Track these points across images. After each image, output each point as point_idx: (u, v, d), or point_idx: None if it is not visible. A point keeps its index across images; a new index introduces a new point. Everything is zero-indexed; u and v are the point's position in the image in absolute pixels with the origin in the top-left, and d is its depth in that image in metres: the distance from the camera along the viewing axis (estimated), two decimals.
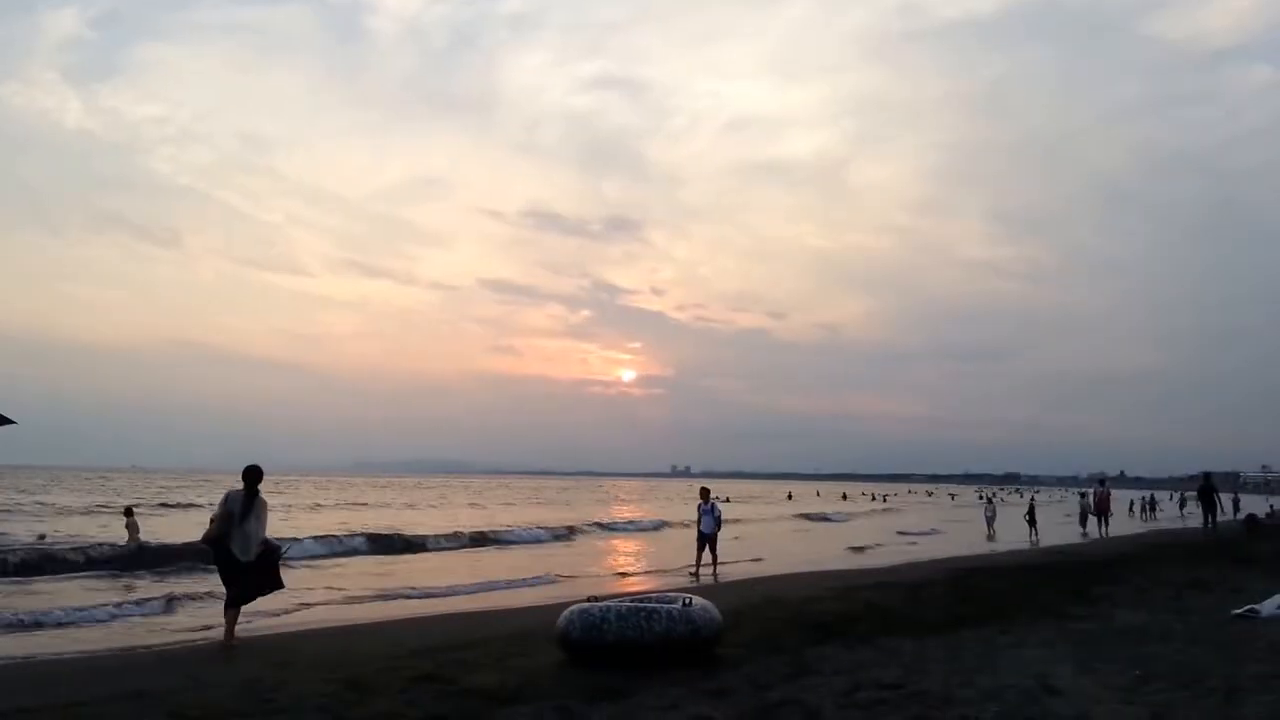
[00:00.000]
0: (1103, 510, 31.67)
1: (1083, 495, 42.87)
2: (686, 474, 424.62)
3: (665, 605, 7.43)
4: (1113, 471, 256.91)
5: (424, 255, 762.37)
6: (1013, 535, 30.50)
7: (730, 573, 17.94)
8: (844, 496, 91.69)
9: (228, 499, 9.69)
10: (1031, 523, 30.31)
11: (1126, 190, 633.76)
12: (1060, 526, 32.18)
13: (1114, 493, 34.82)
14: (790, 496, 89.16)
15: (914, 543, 29.96)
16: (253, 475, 9.83)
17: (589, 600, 7.73)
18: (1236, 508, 44.71)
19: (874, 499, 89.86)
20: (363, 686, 6.56)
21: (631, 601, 7.74)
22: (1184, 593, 11.84)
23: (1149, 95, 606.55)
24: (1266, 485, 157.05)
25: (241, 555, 9.54)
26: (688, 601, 7.55)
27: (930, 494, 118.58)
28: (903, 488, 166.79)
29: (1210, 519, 28.83)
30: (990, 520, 33.94)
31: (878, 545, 27.70)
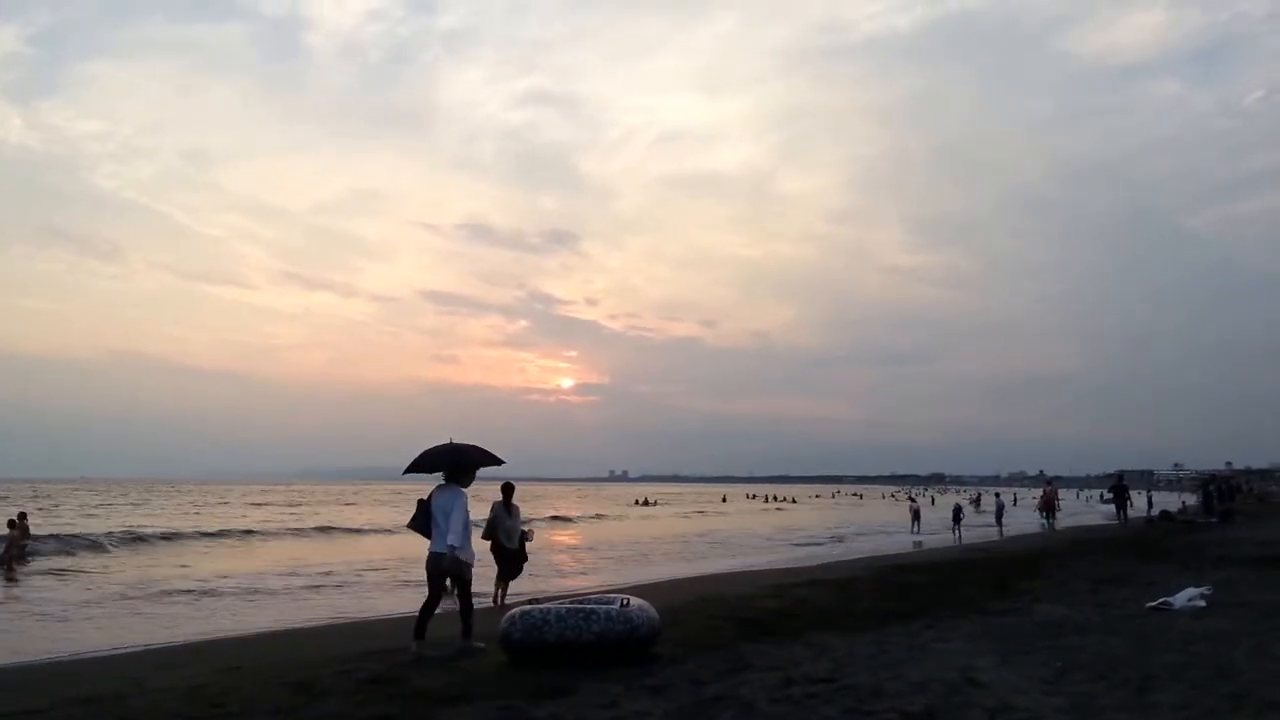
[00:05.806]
0: (1048, 506, 33.36)
1: (997, 495, 44.75)
2: (624, 478, 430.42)
3: (604, 606, 7.56)
4: (1032, 471, 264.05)
5: (365, 267, 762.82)
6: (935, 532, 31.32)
7: (670, 573, 18.07)
8: (748, 496, 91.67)
9: (495, 505, 12.92)
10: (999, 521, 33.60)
11: (1042, 198, 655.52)
12: (1014, 524, 34.16)
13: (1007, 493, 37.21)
14: (725, 499, 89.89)
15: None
16: (508, 488, 13.01)
17: (530, 603, 7.81)
18: (1150, 504, 46.59)
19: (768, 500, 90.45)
20: (314, 689, 6.54)
21: (571, 603, 7.87)
22: (1101, 587, 12.31)
23: (1063, 108, 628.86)
24: (1179, 483, 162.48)
25: (506, 543, 12.83)
26: (625, 602, 7.69)
27: (834, 495, 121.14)
28: (831, 489, 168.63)
29: (1123, 515, 30.45)
30: (915, 518, 35.32)
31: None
